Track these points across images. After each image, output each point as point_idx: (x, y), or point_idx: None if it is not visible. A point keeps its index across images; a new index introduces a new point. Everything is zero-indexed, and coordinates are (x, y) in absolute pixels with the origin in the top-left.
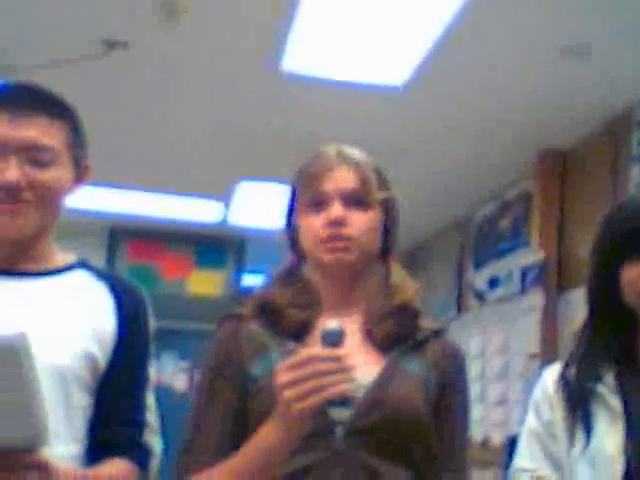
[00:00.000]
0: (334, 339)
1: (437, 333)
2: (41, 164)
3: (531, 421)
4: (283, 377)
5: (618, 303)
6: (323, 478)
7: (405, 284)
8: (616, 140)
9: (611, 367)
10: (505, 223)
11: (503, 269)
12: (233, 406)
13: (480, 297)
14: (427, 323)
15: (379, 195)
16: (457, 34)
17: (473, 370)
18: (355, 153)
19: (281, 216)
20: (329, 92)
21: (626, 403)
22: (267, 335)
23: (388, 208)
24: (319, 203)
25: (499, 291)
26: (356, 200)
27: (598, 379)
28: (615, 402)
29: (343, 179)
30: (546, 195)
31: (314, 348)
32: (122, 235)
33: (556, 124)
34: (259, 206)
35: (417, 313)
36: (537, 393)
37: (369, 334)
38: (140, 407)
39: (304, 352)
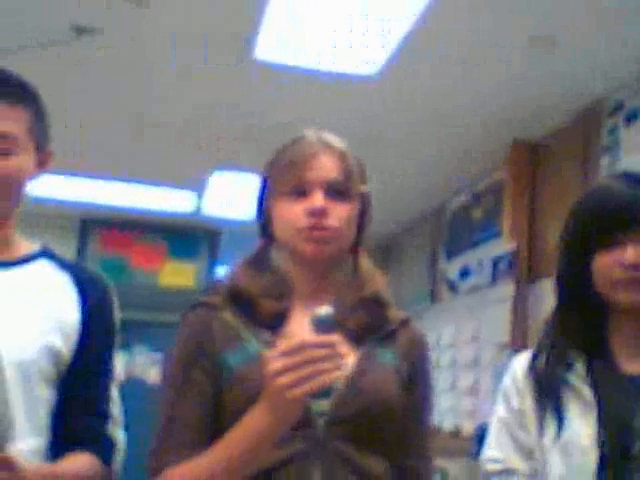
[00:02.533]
0: (327, 325)
1: (404, 322)
2: (1, 153)
3: (500, 410)
4: (276, 364)
5: (587, 292)
6: (303, 469)
7: (374, 276)
8: (586, 131)
9: (581, 356)
10: (478, 213)
11: (475, 259)
12: (208, 397)
13: (452, 287)
14: (395, 313)
15: (360, 187)
16: (428, 25)
17: (444, 360)
18: (338, 141)
19: (254, 204)
20: (302, 81)
21: (597, 392)
22: (241, 325)
23: (364, 201)
24: (300, 191)
25: (471, 281)
26: (338, 191)
27: (568, 367)
28: (586, 391)
29: (327, 168)
30: (517, 186)
31: (307, 333)
32: (93, 225)
33: (527, 115)
34: (233, 197)
35: (386, 304)
36: (506, 382)
37: (341, 325)
38: (104, 399)
39: (297, 338)
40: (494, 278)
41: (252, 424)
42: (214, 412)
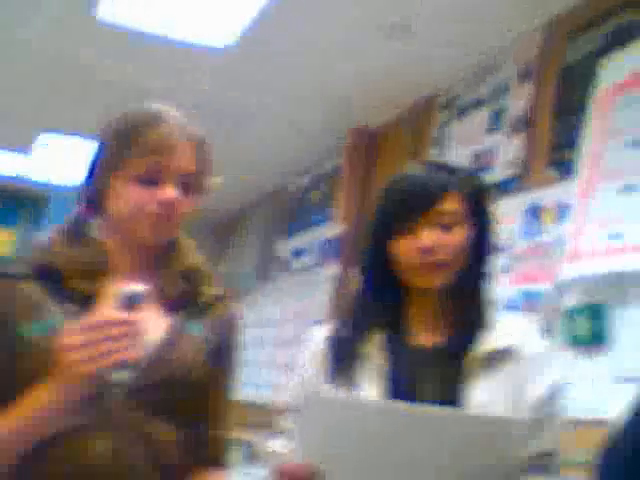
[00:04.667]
0: (132, 301)
1: (219, 298)
2: None
3: (295, 378)
4: (71, 338)
5: (388, 274)
6: (85, 442)
7: (192, 250)
8: (420, 122)
9: (379, 330)
10: (315, 196)
11: (307, 241)
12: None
13: (285, 266)
14: (211, 288)
15: (210, 180)
16: (280, 6)
17: (268, 336)
18: (196, 129)
19: (84, 170)
20: (146, 47)
21: (389, 360)
22: (46, 296)
23: (205, 190)
24: (152, 177)
25: (302, 261)
26: (189, 183)
27: (365, 339)
28: (379, 359)
29: (184, 160)
30: (353, 172)
31: (109, 310)
32: None
33: (368, 103)
34: (62, 161)
35: (202, 278)
36: (304, 350)
37: (157, 296)
38: None
39: (98, 314)
40: (323, 259)
41: (37, 396)
42: (8, 382)
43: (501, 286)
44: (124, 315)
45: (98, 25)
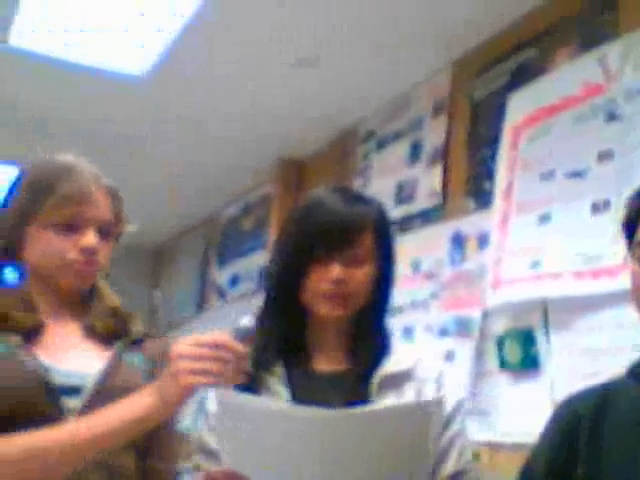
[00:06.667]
0: (243, 335)
1: (148, 335)
2: None
3: (196, 414)
4: (184, 348)
5: (293, 301)
6: None
7: (111, 294)
8: (343, 153)
9: (280, 359)
10: (248, 224)
11: (244, 268)
12: None
13: (222, 294)
14: (138, 326)
15: (124, 227)
16: (199, 31)
17: None
18: (108, 180)
19: None
20: (60, 73)
21: (292, 390)
22: None
23: (119, 236)
24: (71, 225)
25: (239, 289)
26: (106, 230)
27: (268, 371)
28: (282, 391)
29: (101, 208)
30: (283, 200)
31: (224, 335)
32: None
33: (293, 134)
34: None
35: (129, 317)
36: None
37: (90, 331)
38: None
39: (216, 335)
40: (259, 287)
41: (133, 400)
42: None
43: (432, 312)
44: (237, 344)
45: (10, 51)
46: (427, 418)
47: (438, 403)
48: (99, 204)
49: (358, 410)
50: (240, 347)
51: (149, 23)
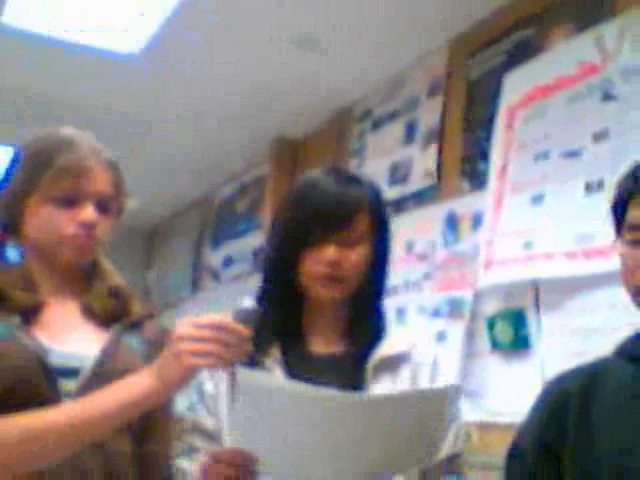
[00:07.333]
0: (246, 317)
1: (149, 316)
2: None
3: (193, 396)
4: (186, 329)
5: (290, 283)
6: None
7: (113, 272)
8: (339, 133)
9: (277, 341)
10: (242, 205)
11: (237, 249)
12: None
13: (215, 276)
14: (139, 306)
15: (125, 202)
16: (189, 11)
17: None
18: (108, 153)
19: None
20: (55, 53)
21: (288, 371)
22: None
23: (120, 212)
24: (70, 199)
25: (233, 270)
26: (106, 205)
27: (265, 353)
28: (278, 371)
29: (100, 182)
30: (278, 181)
31: (225, 317)
32: None
33: (289, 113)
34: None
35: (128, 297)
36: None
37: (88, 312)
38: None
39: (217, 317)
40: (253, 268)
41: (132, 382)
42: None
43: (425, 293)
44: (238, 325)
45: (3, 29)
46: (444, 403)
47: (457, 389)
48: (98, 178)
49: (379, 395)
50: (241, 329)
51: (144, 0)
